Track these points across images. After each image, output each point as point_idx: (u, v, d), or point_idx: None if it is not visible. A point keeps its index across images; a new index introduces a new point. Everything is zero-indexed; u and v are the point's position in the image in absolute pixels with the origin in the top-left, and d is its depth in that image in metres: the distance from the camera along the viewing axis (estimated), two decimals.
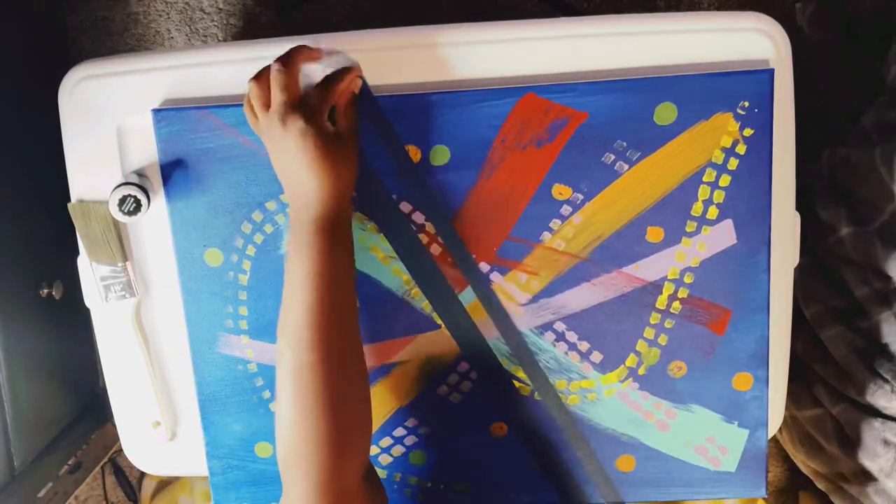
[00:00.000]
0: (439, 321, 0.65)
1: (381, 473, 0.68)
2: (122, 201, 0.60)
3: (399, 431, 0.68)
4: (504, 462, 0.68)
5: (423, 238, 0.63)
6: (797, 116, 0.63)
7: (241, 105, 0.59)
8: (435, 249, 0.63)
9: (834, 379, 0.85)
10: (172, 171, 0.62)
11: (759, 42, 0.61)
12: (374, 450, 0.68)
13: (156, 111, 0.61)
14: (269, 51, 0.62)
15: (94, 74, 0.62)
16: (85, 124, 0.63)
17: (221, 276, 0.64)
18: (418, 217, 0.62)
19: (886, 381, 0.78)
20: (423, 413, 0.67)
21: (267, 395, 0.66)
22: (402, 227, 0.62)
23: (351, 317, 0.55)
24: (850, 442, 0.84)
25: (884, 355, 0.79)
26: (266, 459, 0.68)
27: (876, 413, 0.81)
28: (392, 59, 0.61)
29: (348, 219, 0.56)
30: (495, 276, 0.64)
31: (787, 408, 0.70)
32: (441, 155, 0.61)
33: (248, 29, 1.15)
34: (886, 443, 0.80)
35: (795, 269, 0.67)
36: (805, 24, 0.98)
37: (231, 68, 0.62)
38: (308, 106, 0.53)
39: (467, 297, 0.64)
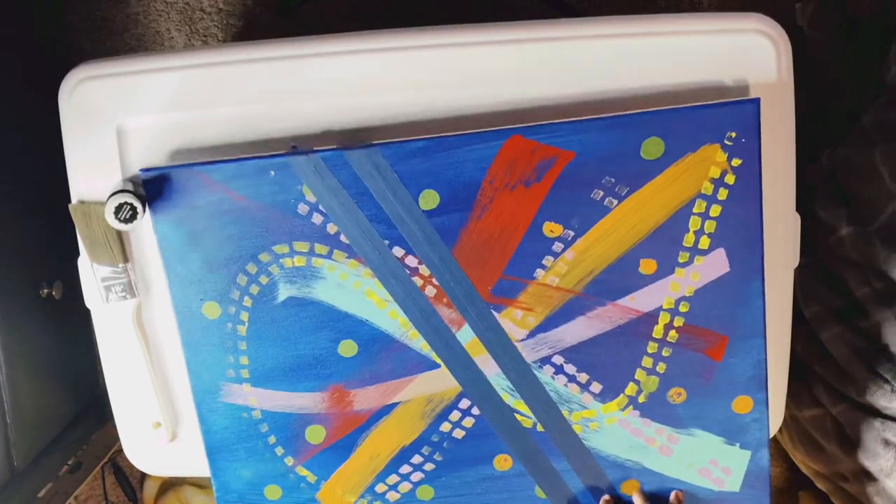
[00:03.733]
0: (438, 360, 0.65)
1: None
2: (119, 209, 0.60)
3: (405, 468, 0.68)
4: (510, 494, 0.69)
5: (418, 280, 0.63)
6: (797, 116, 0.63)
7: (231, 161, 0.61)
8: (430, 291, 0.64)
9: (834, 379, 0.85)
10: (165, 228, 0.63)
11: (760, 43, 0.61)
12: (381, 487, 0.69)
13: (144, 171, 0.61)
14: (269, 51, 0.62)
15: (94, 75, 0.62)
16: (85, 125, 0.63)
17: (220, 327, 0.65)
18: (411, 261, 0.63)
19: (886, 381, 0.78)
20: (427, 450, 0.68)
21: (273, 440, 0.67)
22: (395, 272, 0.63)
23: None
24: (850, 442, 0.84)
25: (884, 355, 0.79)
26: (276, 502, 0.69)
27: (876, 413, 0.81)
28: (391, 59, 0.61)
29: None
30: (491, 314, 0.64)
31: (787, 408, 0.70)
32: (431, 199, 0.61)
33: (248, 29, 1.15)
34: (886, 443, 0.80)
35: (795, 270, 0.67)
36: (805, 24, 0.98)
37: (231, 69, 0.62)
38: None
39: (465, 335, 0.65)
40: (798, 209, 0.65)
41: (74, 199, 0.65)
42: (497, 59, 0.61)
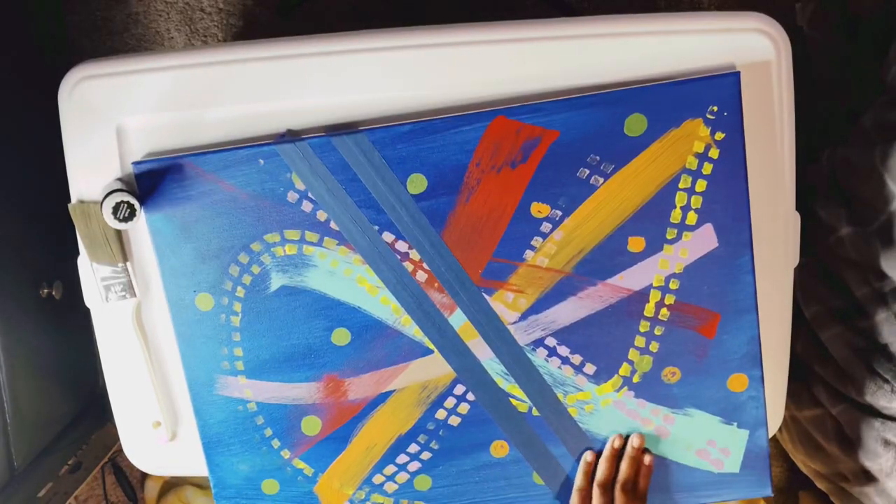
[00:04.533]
0: (432, 346, 0.65)
1: (387, 501, 0.69)
2: (116, 208, 0.59)
3: (402, 458, 0.68)
4: (508, 482, 0.69)
5: (408, 266, 0.63)
6: (797, 116, 0.63)
7: (221, 151, 0.61)
8: (421, 276, 0.64)
9: (834, 379, 0.85)
10: (158, 220, 0.63)
11: (759, 42, 0.61)
12: (378, 478, 0.69)
13: (136, 163, 0.62)
14: (268, 50, 0.62)
15: (94, 74, 0.62)
16: (85, 124, 0.63)
17: (214, 319, 0.65)
18: (402, 246, 0.63)
19: (886, 381, 0.78)
20: (424, 438, 0.68)
21: (269, 432, 0.67)
22: (386, 257, 0.63)
23: None
24: (850, 442, 0.84)
25: (884, 355, 0.79)
26: (273, 496, 0.69)
27: (876, 413, 0.81)
28: (390, 59, 0.61)
29: None
30: (483, 298, 0.64)
31: (787, 408, 0.70)
32: (418, 183, 0.62)
33: (248, 29, 1.15)
34: (886, 443, 0.80)
35: (795, 269, 0.67)
36: (805, 24, 0.98)
37: (231, 69, 0.62)
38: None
39: (457, 320, 0.65)
40: (798, 209, 0.65)
41: (74, 198, 0.65)
42: (496, 59, 0.61)
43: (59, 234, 0.77)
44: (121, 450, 0.75)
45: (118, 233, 0.64)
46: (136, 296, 0.66)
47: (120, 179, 0.64)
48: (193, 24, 1.15)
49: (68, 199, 0.65)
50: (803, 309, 0.89)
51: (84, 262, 0.66)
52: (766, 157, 0.63)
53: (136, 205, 0.60)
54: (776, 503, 1.25)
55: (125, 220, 0.60)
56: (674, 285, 0.64)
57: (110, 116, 0.63)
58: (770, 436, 0.68)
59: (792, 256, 0.66)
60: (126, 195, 0.59)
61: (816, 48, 0.97)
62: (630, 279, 0.64)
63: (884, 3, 0.88)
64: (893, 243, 0.76)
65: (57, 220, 0.71)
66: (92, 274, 0.65)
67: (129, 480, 1.25)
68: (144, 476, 1.24)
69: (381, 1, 1.15)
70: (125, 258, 0.65)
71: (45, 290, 0.90)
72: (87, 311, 0.68)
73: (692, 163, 0.61)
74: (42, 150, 0.81)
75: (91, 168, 0.64)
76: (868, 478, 0.84)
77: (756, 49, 0.61)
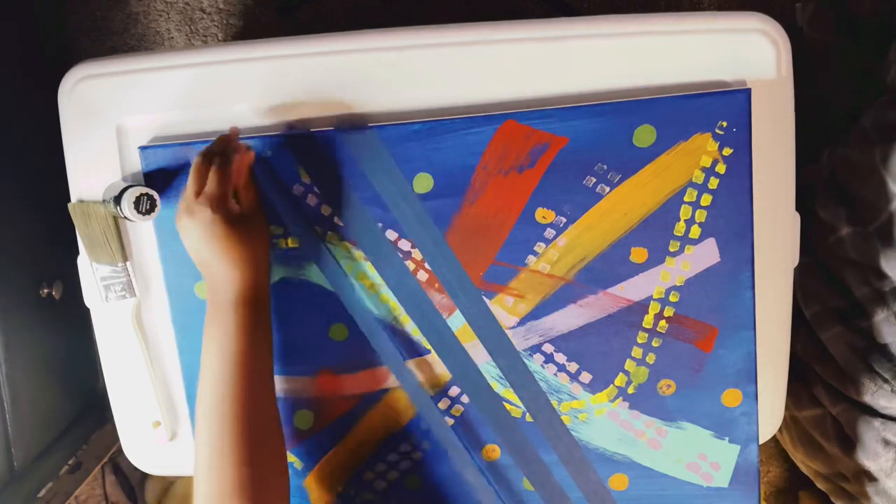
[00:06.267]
0: (429, 346, 0.65)
1: (376, 499, 0.69)
2: (138, 202, 0.59)
3: (393, 457, 0.68)
4: (498, 484, 0.68)
5: (410, 265, 0.63)
6: (797, 116, 0.63)
7: None
8: (422, 276, 0.64)
9: (834, 379, 0.85)
10: (161, 205, 0.62)
11: (760, 42, 0.61)
12: (368, 475, 0.69)
13: (142, 148, 0.62)
14: (269, 51, 0.62)
15: (94, 74, 0.62)
16: (85, 124, 0.63)
17: None
18: (404, 244, 0.63)
19: (886, 381, 0.78)
20: (416, 438, 0.68)
21: None
22: (388, 255, 0.63)
23: (265, 386, 0.56)
24: (850, 442, 0.84)
25: (884, 355, 0.79)
26: None
27: (876, 413, 0.81)
28: (390, 59, 0.61)
29: (266, 292, 0.57)
30: (482, 301, 0.64)
31: (787, 408, 0.70)
32: (425, 182, 0.61)
33: (248, 29, 1.15)
34: (886, 443, 0.80)
35: (795, 269, 0.67)
36: (805, 24, 0.98)
37: (230, 68, 0.62)
38: (211, 195, 0.55)
39: (456, 321, 0.65)
40: (798, 209, 0.65)
41: (74, 198, 0.65)
42: (497, 59, 0.61)
43: (59, 234, 0.77)
44: (121, 450, 0.75)
45: (118, 232, 0.64)
46: (135, 295, 0.66)
47: (127, 179, 0.64)
48: (193, 24, 1.15)
49: (68, 199, 0.65)
50: (803, 309, 0.89)
51: (84, 262, 0.66)
52: (766, 158, 0.63)
53: (157, 196, 0.59)
54: (776, 503, 1.25)
55: (147, 212, 0.59)
56: (674, 298, 0.64)
57: (110, 116, 0.63)
58: (769, 436, 0.68)
59: (792, 256, 0.66)
60: (145, 188, 0.59)
61: (816, 48, 0.97)
62: (631, 289, 0.64)
63: (884, 3, 0.88)
64: (893, 243, 0.76)
65: (57, 220, 0.71)
66: (92, 274, 0.65)
67: (129, 480, 1.25)
68: (144, 476, 1.24)
69: (380, 2, 1.15)
70: (125, 257, 0.65)
71: (45, 290, 0.90)
72: (87, 311, 0.68)
73: (699, 177, 0.61)
74: (42, 149, 0.81)
75: (91, 168, 0.64)
76: (868, 478, 0.84)
77: (756, 49, 0.61)
